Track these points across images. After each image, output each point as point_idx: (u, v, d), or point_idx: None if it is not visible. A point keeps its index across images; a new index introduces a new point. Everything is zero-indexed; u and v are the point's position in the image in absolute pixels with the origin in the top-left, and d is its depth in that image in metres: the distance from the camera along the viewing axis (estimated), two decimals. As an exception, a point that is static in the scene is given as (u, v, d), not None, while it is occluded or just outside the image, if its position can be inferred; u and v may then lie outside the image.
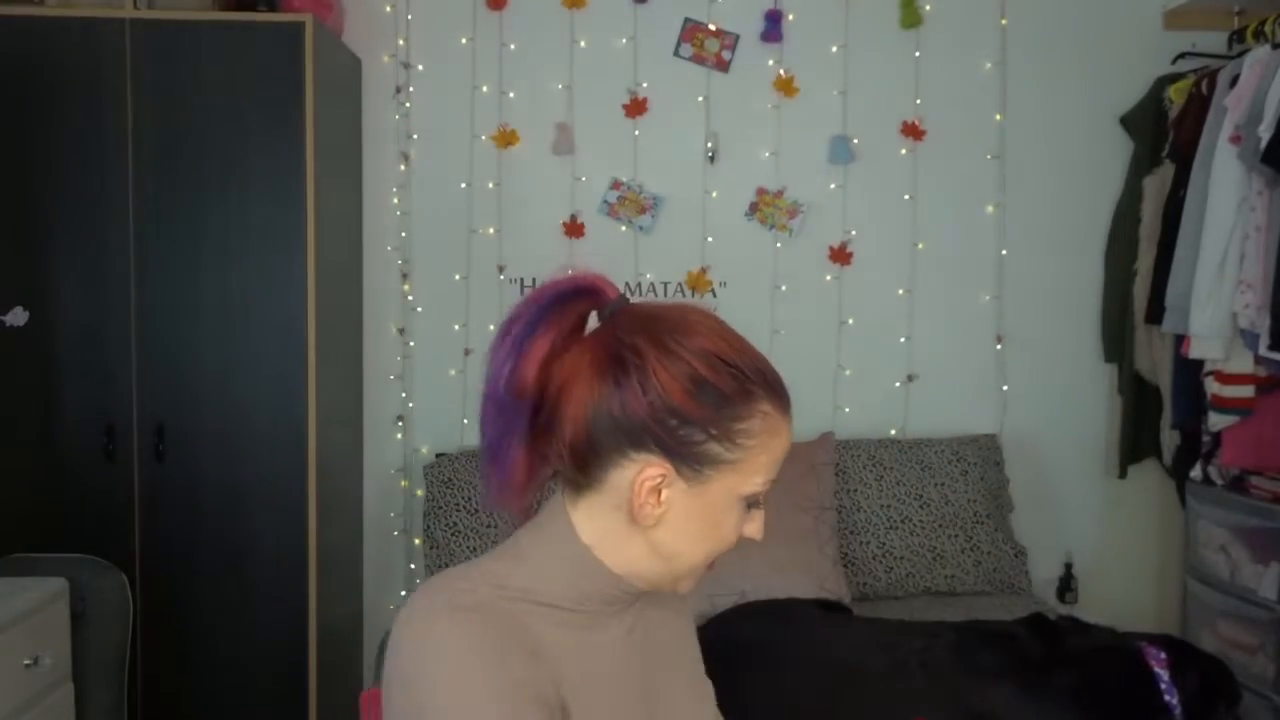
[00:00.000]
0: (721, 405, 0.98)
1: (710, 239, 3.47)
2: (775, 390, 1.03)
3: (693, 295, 3.45)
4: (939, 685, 2.34)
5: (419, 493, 3.35)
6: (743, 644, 2.47)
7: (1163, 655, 2.38)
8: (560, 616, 1.02)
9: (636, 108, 3.43)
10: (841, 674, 2.40)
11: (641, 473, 0.98)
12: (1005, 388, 3.50)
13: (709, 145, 3.45)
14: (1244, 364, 2.93)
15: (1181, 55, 3.40)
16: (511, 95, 3.43)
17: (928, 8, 3.46)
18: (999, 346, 3.50)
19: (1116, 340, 3.45)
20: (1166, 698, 2.32)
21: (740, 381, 0.99)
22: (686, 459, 0.98)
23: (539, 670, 0.96)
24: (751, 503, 1.02)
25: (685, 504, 1.00)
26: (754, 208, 3.48)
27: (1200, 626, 3.17)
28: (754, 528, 1.04)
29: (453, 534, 3.09)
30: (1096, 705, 2.31)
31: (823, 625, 2.64)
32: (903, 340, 3.49)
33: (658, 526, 1.01)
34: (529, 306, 1.01)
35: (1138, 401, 3.40)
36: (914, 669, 2.39)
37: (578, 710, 0.99)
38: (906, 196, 3.49)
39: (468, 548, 3.07)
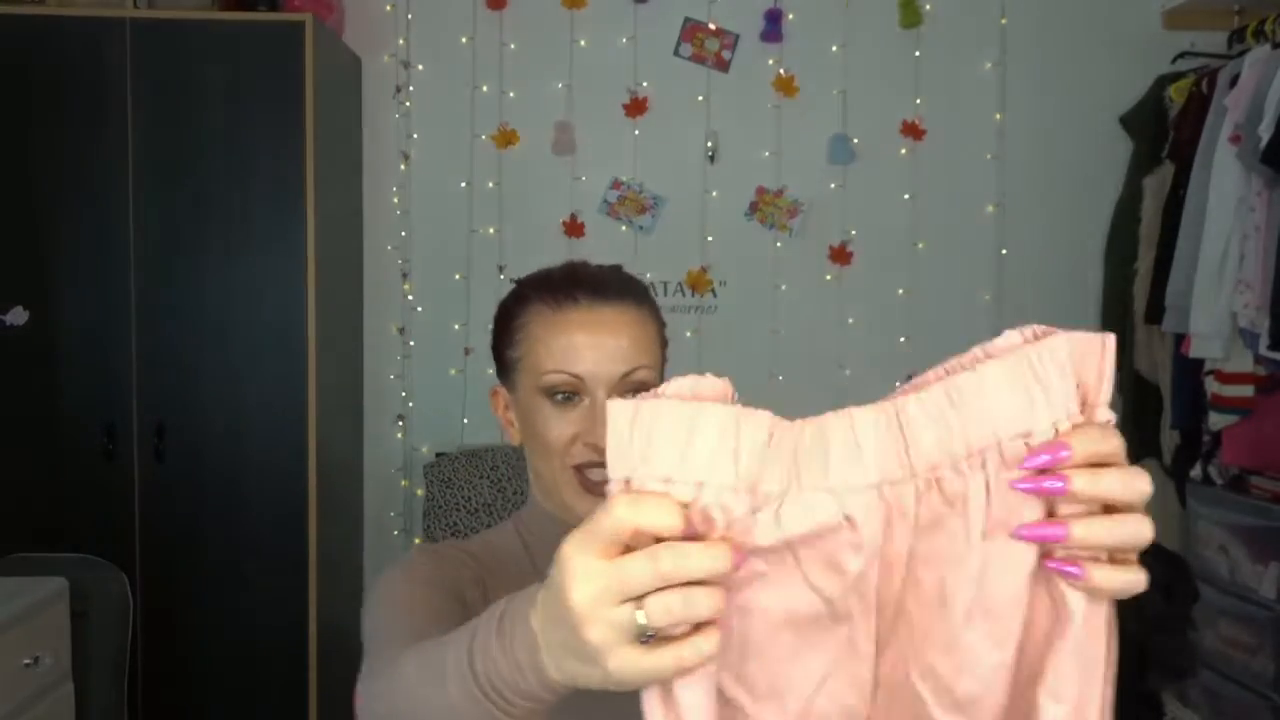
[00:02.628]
0: (505, 318, 1.15)
1: (710, 239, 3.47)
2: (553, 288, 1.12)
3: (693, 295, 3.45)
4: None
5: (419, 492, 3.35)
6: None
7: None
8: (509, 575, 1.12)
9: (636, 107, 3.43)
10: None
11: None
12: (1005, 387, 3.49)
13: (709, 145, 3.45)
14: (1244, 364, 2.93)
15: (1181, 55, 3.40)
16: (511, 95, 3.42)
17: (928, 7, 3.46)
18: (999, 346, 3.49)
19: (1116, 340, 3.45)
20: None
21: (515, 293, 1.16)
22: (501, 374, 1.16)
23: (468, 581, 1.08)
24: (554, 394, 1.10)
25: (517, 414, 1.15)
26: (754, 207, 3.48)
27: (1200, 626, 3.17)
28: (571, 418, 1.09)
29: (453, 534, 3.09)
30: None
31: None
32: (902, 340, 3.49)
33: (524, 445, 1.15)
34: None
35: (1138, 401, 3.39)
36: None
37: None
38: (906, 196, 3.49)
39: (468, 548, 3.07)
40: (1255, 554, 2.97)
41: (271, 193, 2.83)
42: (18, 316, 2.80)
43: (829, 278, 3.50)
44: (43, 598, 2.39)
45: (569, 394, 1.10)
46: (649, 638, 0.58)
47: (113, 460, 2.82)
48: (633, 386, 1.10)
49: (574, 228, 3.43)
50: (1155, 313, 3.18)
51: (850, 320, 3.50)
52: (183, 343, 2.84)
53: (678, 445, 0.59)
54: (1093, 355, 0.63)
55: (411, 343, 3.45)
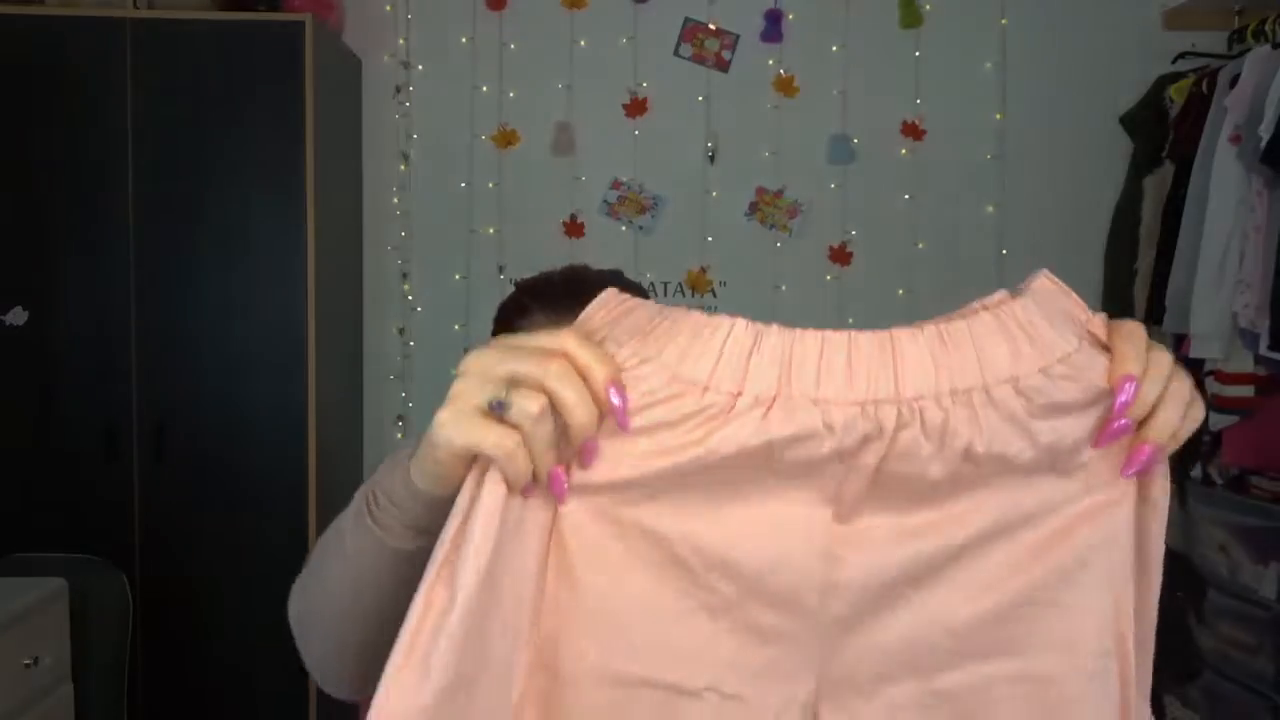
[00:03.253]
0: (505, 327, 1.13)
1: (710, 239, 3.47)
2: (555, 301, 1.11)
3: (692, 295, 3.45)
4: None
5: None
6: None
7: None
8: None
9: (636, 108, 3.43)
10: None
11: None
12: (1005, 388, 3.49)
13: (709, 145, 3.45)
14: (1244, 364, 2.93)
15: (1181, 55, 3.40)
16: (511, 95, 3.42)
17: (928, 8, 3.46)
18: (999, 346, 3.49)
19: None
20: None
21: (516, 301, 1.14)
22: None
23: None
24: None
25: None
26: (754, 207, 3.48)
27: (1203, 623, 3.17)
28: None
29: (453, 534, 3.09)
30: None
31: None
32: (903, 340, 3.49)
33: None
34: None
35: (1138, 401, 3.39)
36: None
37: None
38: (906, 196, 3.49)
39: (468, 548, 3.07)
40: (1255, 554, 2.97)
41: (271, 193, 2.83)
42: (18, 316, 2.80)
43: (829, 278, 3.50)
44: (43, 598, 2.39)
45: None
46: (498, 406, 0.61)
47: (113, 460, 2.82)
48: None
49: (574, 228, 3.43)
50: (1155, 313, 3.18)
51: (850, 320, 3.49)
52: (183, 343, 2.84)
53: (666, 338, 0.63)
54: (1062, 298, 0.70)
55: (411, 343, 3.45)
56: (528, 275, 1.21)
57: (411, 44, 3.40)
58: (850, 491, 0.64)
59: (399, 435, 3.45)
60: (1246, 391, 2.95)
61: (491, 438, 0.61)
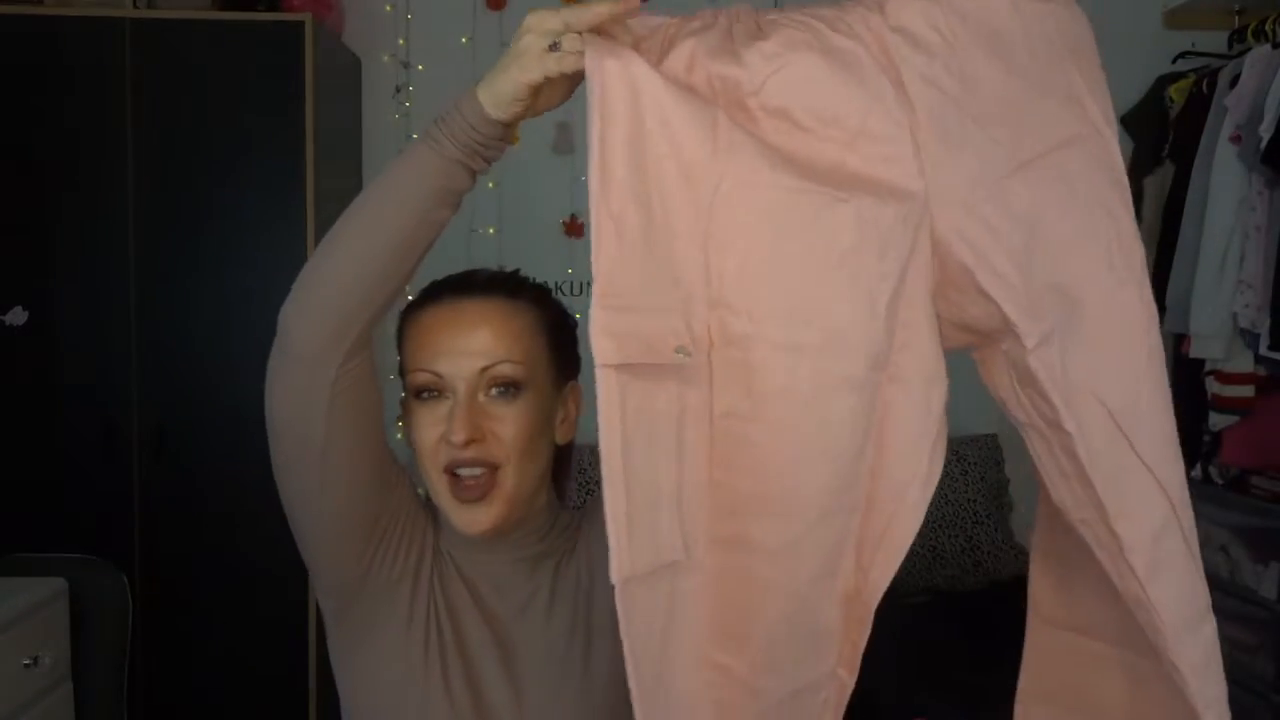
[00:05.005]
0: (396, 334, 1.16)
1: (710, 239, 3.46)
2: (423, 294, 1.16)
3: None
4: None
5: (419, 492, 3.35)
6: None
7: None
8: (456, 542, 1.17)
9: (636, 108, 3.42)
10: None
11: None
12: (1005, 388, 3.49)
13: (709, 145, 3.45)
14: (1244, 364, 2.93)
15: (1181, 55, 3.40)
16: (512, 95, 3.42)
17: (928, 7, 3.45)
18: (999, 346, 3.49)
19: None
20: None
21: (405, 304, 1.17)
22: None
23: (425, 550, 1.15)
24: (420, 394, 1.10)
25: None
26: (754, 208, 3.48)
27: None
28: (437, 417, 1.09)
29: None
30: None
31: None
32: (903, 340, 3.49)
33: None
34: None
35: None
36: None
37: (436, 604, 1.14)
38: (906, 196, 3.49)
39: (468, 548, 3.07)
40: (1255, 554, 2.96)
41: (271, 193, 2.83)
42: (17, 316, 2.80)
43: (829, 278, 3.50)
44: (43, 598, 2.39)
45: (432, 391, 1.09)
46: (554, 47, 0.90)
47: (113, 460, 2.82)
48: (496, 382, 1.07)
49: (574, 228, 3.43)
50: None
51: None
52: (183, 343, 2.84)
53: None
54: None
55: (411, 343, 3.45)
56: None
57: (411, 44, 3.40)
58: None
59: (399, 435, 3.44)
60: (1246, 391, 2.95)
61: (552, 61, 0.90)
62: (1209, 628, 0.90)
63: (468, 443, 1.05)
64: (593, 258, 0.82)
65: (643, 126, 0.84)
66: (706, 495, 0.84)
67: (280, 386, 1.03)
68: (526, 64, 0.90)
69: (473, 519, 1.08)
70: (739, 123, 0.85)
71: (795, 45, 0.86)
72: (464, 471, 1.07)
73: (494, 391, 1.07)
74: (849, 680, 0.89)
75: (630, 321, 0.82)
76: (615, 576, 0.81)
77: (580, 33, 0.88)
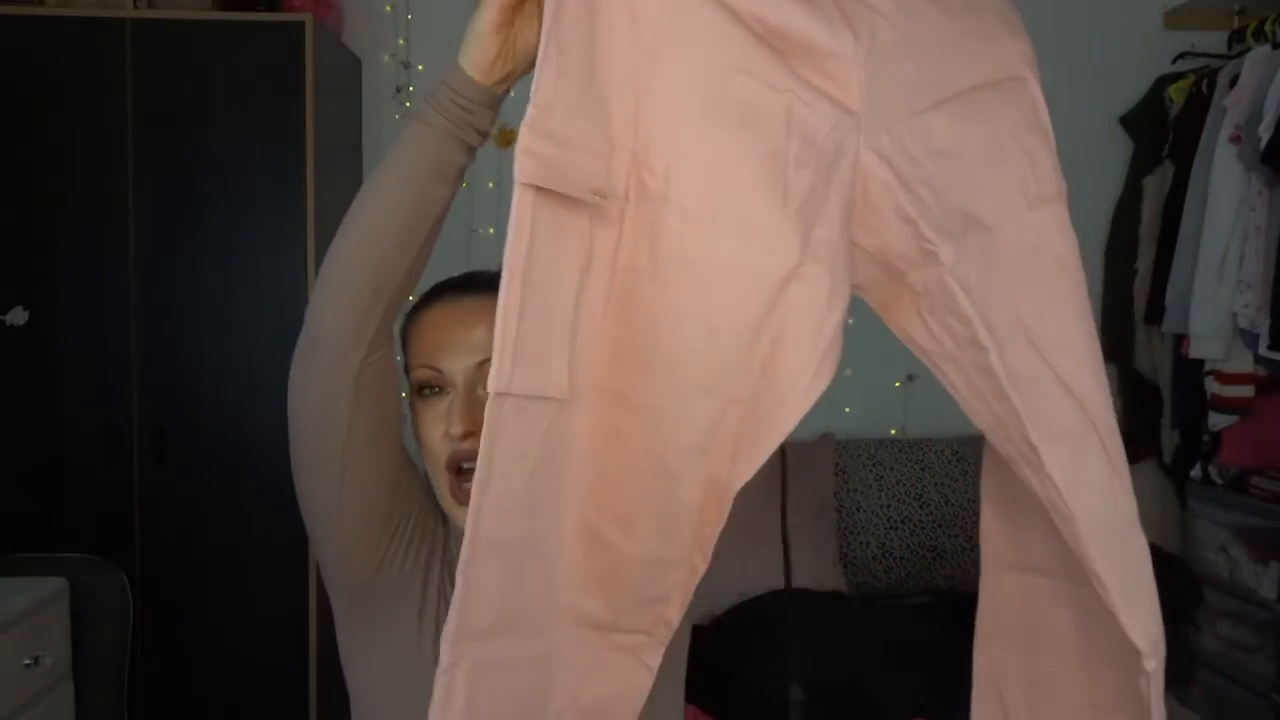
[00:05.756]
0: (400, 336, 1.17)
1: (710, 239, 3.46)
2: (429, 293, 1.19)
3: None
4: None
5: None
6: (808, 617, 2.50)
7: None
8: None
9: (636, 108, 3.42)
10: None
11: None
12: (1005, 388, 3.49)
13: (709, 145, 3.45)
14: (1244, 364, 2.93)
15: (1181, 55, 3.40)
16: (511, 95, 3.41)
17: (928, 8, 3.45)
18: (999, 346, 3.49)
19: (1116, 340, 3.45)
20: None
21: (410, 307, 1.19)
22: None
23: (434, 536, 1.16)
24: (422, 391, 1.12)
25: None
26: (754, 208, 3.48)
27: (1200, 626, 3.17)
28: (439, 414, 1.11)
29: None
30: None
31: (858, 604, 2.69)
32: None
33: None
34: None
35: (1138, 401, 3.39)
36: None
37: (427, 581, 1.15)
38: (906, 196, 3.49)
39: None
40: (1255, 554, 2.97)
41: (271, 193, 2.83)
42: (18, 316, 2.80)
43: (829, 278, 3.49)
44: (43, 598, 2.39)
45: (433, 388, 1.11)
46: None
47: (113, 460, 2.82)
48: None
49: (574, 228, 3.43)
50: (1155, 313, 3.18)
51: (850, 320, 3.49)
52: (183, 343, 2.83)
53: None
54: None
55: (411, 343, 3.45)
56: None
57: (411, 44, 3.40)
58: None
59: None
60: (1246, 391, 2.95)
61: None
62: (1136, 541, 0.92)
63: (466, 435, 1.07)
64: (534, 82, 0.86)
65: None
66: (597, 344, 0.86)
67: (305, 376, 1.06)
68: (483, 9, 0.93)
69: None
70: None
71: None
72: (468, 465, 1.08)
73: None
74: (701, 567, 0.90)
75: (556, 152, 0.84)
76: (491, 387, 0.82)
77: None
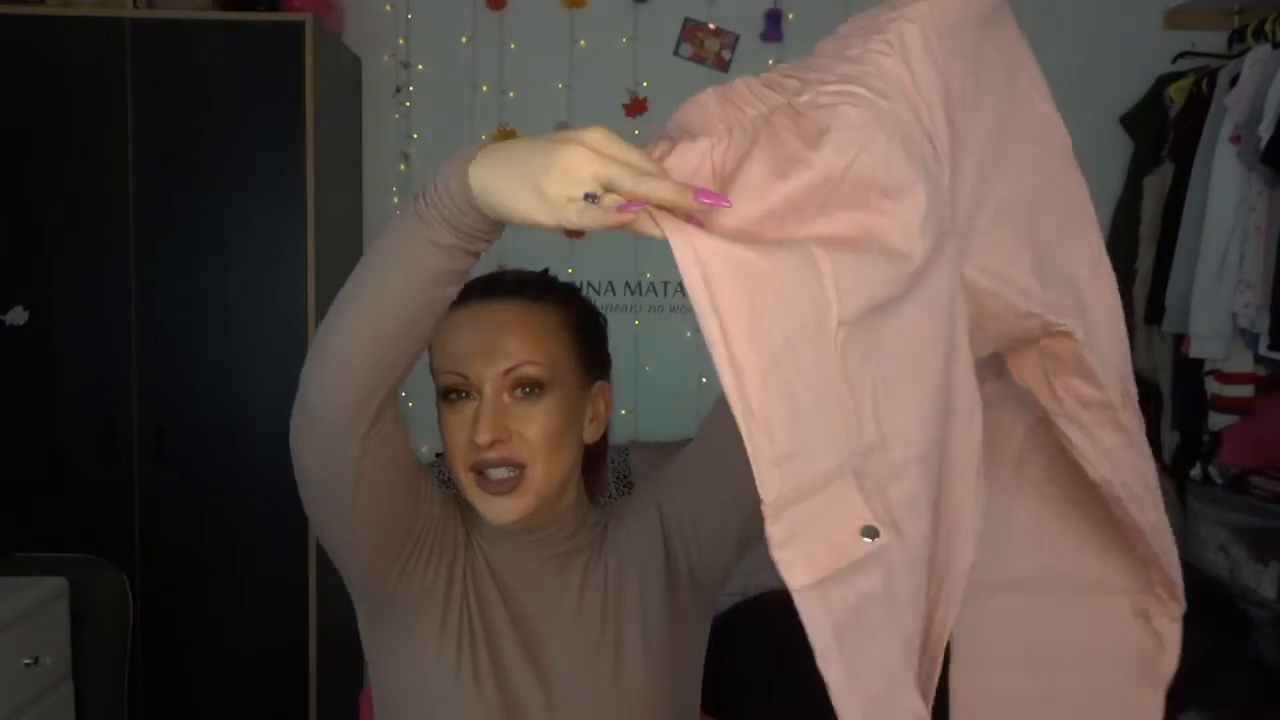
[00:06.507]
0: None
1: (710, 239, 3.46)
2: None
3: (693, 295, 3.45)
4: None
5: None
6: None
7: None
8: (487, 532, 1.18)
9: (636, 107, 3.42)
10: None
11: None
12: (1005, 387, 3.49)
13: (709, 145, 3.45)
14: (1244, 364, 2.93)
15: (1181, 55, 3.40)
16: (511, 95, 3.42)
17: (928, 7, 3.45)
18: (999, 346, 3.49)
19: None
20: None
21: None
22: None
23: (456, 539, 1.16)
24: (448, 395, 1.12)
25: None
26: (754, 207, 3.48)
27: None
28: (465, 418, 1.10)
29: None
30: None
31: None
32: (903, 340, 3.48)
33: None
34: None
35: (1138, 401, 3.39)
36: None
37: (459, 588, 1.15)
38: (906, 196, 3.48)
39: (468, 548, 3.07)
40: (1255, 554, 2.96)
41: (271, 193, 2.83)
42: (18, 316, 2.80)
43: (829, 278, 3.49)
44: (43, 598, 2.40)
45: (459, 393, 1.11)
46: (591, 198, 0.75)
47: (113, 460, 2.82)
48: (520, 383, 1.09)
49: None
50: (1155, 313, 3.18)
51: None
52: (183, 343, 2.84)
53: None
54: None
55: (411, 343, 3.45)
56: None
57: (411, 44, 3.40)
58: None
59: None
60: (1246, 391, 2.95)
61: (573, 212, 0.76)
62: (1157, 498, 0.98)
63: (492, 443, 1.08)
64: (752, 461, 0.73)
65: (757, 307, 0.74)
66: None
67: (306, 447, 1.04)
68: (549, 200, 0.76)
69: (502, 509, 1.10)
70: (826, 237, 0.78)
71: (857, 126, 0.79)
72: (492, 473, 1.09)
73: (518, 392, 1.09)
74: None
75: (803, 515, 0.73)
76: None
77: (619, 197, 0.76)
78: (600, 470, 1.27)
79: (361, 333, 0.93)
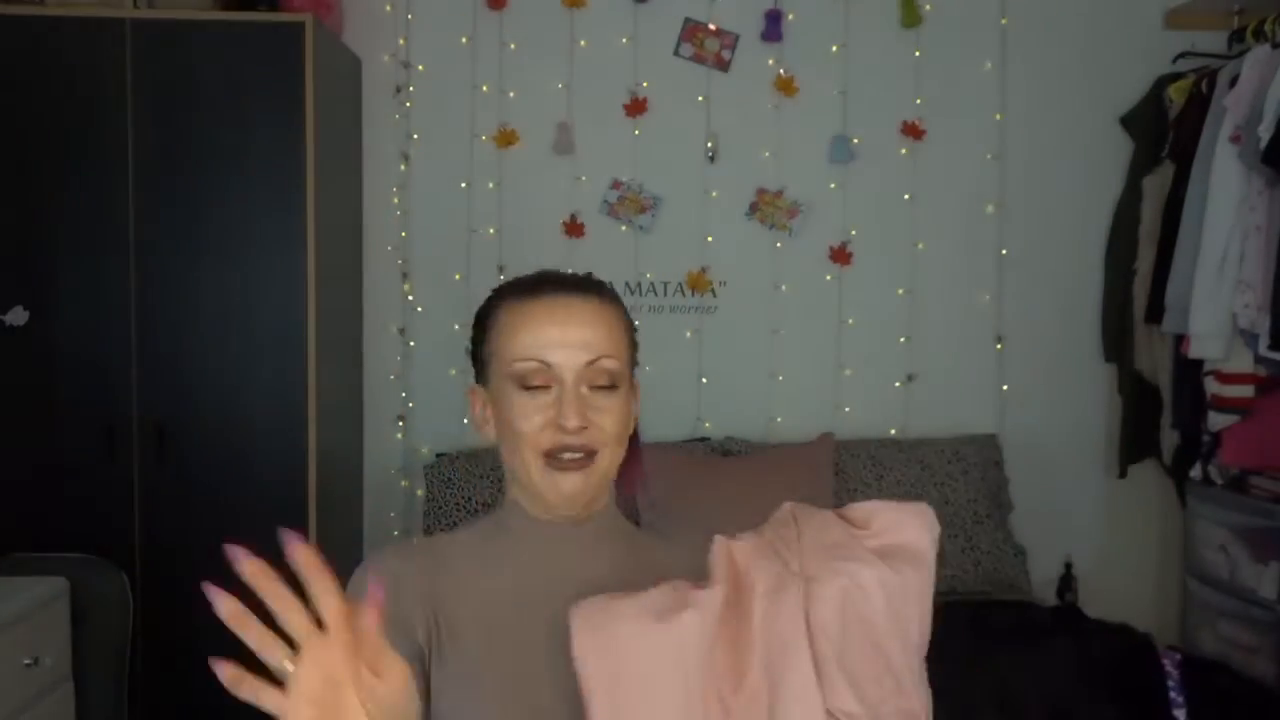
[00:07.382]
0: (480, 319, 1.20)
1: (710, 239, 3.47)
2: (523, 286, 1.19)
3: (693, 295, 3.45)
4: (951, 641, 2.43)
5: (419, 493, 3.35)
6: None
7: (1178, 657, 2.39)
8: (472, 542, 1.19)
9: (636, 107, 3.43)
10: None
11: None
12: (1005, 388, 3.50)
13: (709, 145, 3.45)
14: (1244, 364, 2.93)
15: (1181, 55, 3.40)
16: (511, 95, 3.42)
17: (928, 7, 3.46)
18: (999, 347, 3.50)
19: (1116, 340, 3.45)
20: (1172, 694, 2.33)
21: (489, 298, 1.21)
22: (478, 374, 1.19)
23: (416, 601, 1.15)
24: (524, 382, 1.12)
25: (493, 409, 1.16)
26: (754, 207, 3.48)
27: (1200, 626, 3.17)
28: (541, 405, 1.12)
29: (453, 534, 3.09)
30: (1092, 671, 2.33)
31: None
32: (903, 340, 3.49)
33: (498, 440, 1.17)
34: None
35: (1138, 401, 3.39)
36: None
37: (448, 621, 1.14)
38: (906, 196, 3.49)
39: (468, 548, 3.07)
40: (1255, 554, 2.97)
41: (271, 193, 2.83)
42: (18, 316, 2.80)
43: (829, 278, 3.50)
44: (43, 598, 2.40)
45: (537, 379, 1.12)
46: None
47: (113, 460, 2.82)
48: (600, 375, 1.13)
49: (574, 228, 3.43)
50: (1155, 313, 3.18)
51: (850, 320, 3.49)
52: (183, 343, 2.84)
53: None
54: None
55: (411, 343, 3.45)
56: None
57: (411, 44, 3.40)
58: None
59: (399, 435, 3.45)
60: (1246, 391, 2.95)
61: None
62: None
63: (579, 429, 1.11)
64: None
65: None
66: None
67: None
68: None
69: (573, 482, 1.12)
70: None
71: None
72: (567, 455, 1.12)
73: (596, 384, 1.13)
74: None
75: None
76: None
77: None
78: (636, 466, 1.27)
79: None
